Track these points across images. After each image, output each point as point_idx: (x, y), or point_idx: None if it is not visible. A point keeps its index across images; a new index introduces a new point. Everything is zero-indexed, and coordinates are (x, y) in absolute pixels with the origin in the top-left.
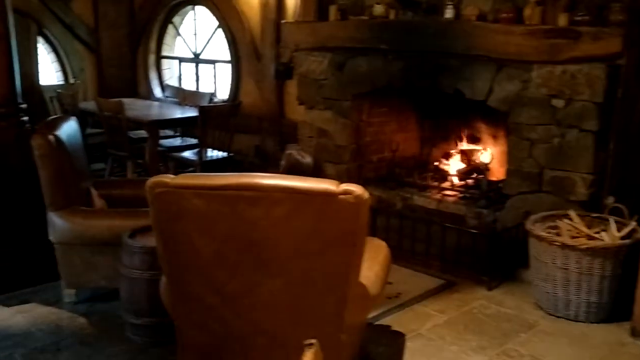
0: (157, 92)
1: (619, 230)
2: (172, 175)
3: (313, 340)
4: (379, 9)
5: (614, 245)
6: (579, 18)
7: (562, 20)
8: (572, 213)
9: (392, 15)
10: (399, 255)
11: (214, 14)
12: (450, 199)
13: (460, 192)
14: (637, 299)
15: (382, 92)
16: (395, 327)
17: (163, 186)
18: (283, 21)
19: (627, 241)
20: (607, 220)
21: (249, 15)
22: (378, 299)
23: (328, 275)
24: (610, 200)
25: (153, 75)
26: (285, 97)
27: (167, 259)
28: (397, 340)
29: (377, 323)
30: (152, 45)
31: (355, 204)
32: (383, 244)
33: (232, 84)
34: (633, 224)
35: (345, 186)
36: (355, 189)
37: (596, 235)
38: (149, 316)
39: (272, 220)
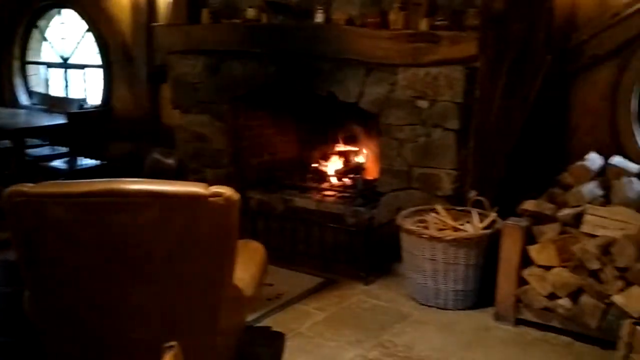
0: (23, 99)
1: (481, 221)
2: (31, 184)
3: (173, 343)
4: (251, 13)
5: (476, 236)
6: (438, 23)
7: (424, 25)
8: (439, 207)
9: (264, 19)
10: (280, 257)
11: (83, 17)
12: (330, 199)
13: (339, 192)
14: (498, 286)
15: (258, 95)
16: (276, 328)
17: (21, 195)
18: (154, 24)
19: (488, 231)
20: (470, 212)
21: (120, 18)
22: (254, 300)
23: (201, 278)
24: (472, 194)
25: (18, 82)
26: (161, 101)
27: (30, 272)
28: (276, 340)
29: (257, 325)
30: (16, 50)
31: (226, 206)
32: (260, 246)
33: (103, 89)
34: (493, 215)
35: (215, 188)
36: (225, 190)
37: (461, 227)
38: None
39: (140, 226)
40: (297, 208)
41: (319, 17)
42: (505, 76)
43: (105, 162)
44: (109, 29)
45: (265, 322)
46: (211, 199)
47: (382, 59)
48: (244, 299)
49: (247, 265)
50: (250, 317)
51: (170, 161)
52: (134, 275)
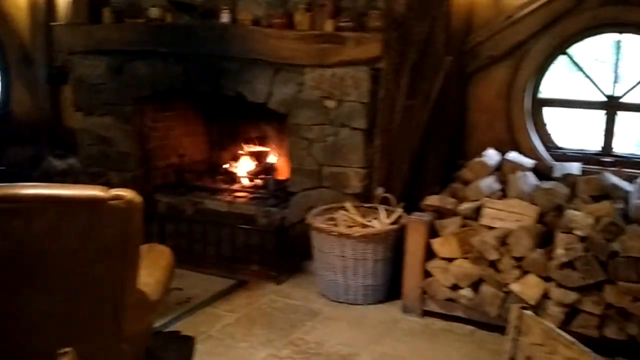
0: None
1: (388, 217)
2: None
3: (68, 349)
4: (155, 12)
5: (383, 231)
6: (343, 24)
7: (329, 26)
8: (348, 205)
9: (168, 19)
10: (190, 261)
11: None
12: (241, 200)
13: (250, 193)
14: (405, 279)
15: (165, 96)
16: (185, 332)
17: None
18: (54, 23)
19: (394, 227)
20: (378, 209)
21: (17, 17)
22: (161, 305)
23: (103, 284)
24: (379, 191)
25: None
26: (62, 103)
27: None
28: (186, 344)
29: (166, 330)
30: None
31: (127, 210)
32: (166, 249)
33: (1, 92)
34: (400, 211)
35: (115, 191)
36: (126, 193)
37: (369, 223)
38: None
39: (36, 233)
40: (208, 210)
41: (225, 17)
42: (408, 76)
43: (3, 167)
44: (5, 29)
45: (174, 327)
46: (111, 202)
47: (289, 60)
48: (149, 304)
49: (152, 270)
50: (158, 322)
51: (65, 164)
52: (30, 283)
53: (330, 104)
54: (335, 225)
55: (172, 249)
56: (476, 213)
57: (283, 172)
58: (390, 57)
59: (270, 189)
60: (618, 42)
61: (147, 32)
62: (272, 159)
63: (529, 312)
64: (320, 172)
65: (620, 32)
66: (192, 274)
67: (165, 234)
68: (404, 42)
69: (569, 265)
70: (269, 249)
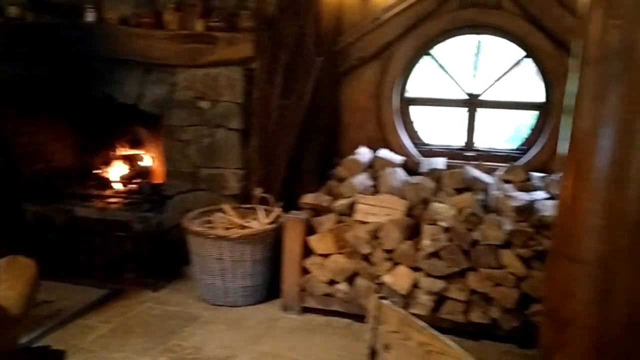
0: None
1: (266, 217)
2: None
3: None
4: (14, 11)
5: (261, 231)
6: (213, 24)
7: (200, 26)
8: (226, 206)
9: (29, 17)
10: (61, 271)
11: None
12: (114, 206)
13: (124, 198)
14: (284, 277)
15: (29, 98)
16: (55, 346)
17: None
18: None
19: (272, 226)
20: (256, 209)
21: None
22: (24, 319)
23: None
24: (258, 191)
25: None
26: None
27: None
28: (56, 359)
29: (34, 345)
30: None
31: None
32: (29, 261)
33: None
34: (278, 210)
35: None
36: None
37: (247, 224)
38: None
39: None
40: (79, 218)
41: (90, 16)
42: (281, 76)
43: None
44: None
45: (43, 342)
46: None
47: (159, 60)
48: (11, 319)
49: (14, 283)
50: (25, 338)
51: None
52: None
53: (205, 104)
54: (213, 227)
55: (41, 259)
56: (350, 209)
57: (158, 176)
58: (263, 57)
59: (145, 193)
60: (477, 43)
61: (5, 32)
62: (146, 162)
63: (386, 302)
64: (197, 174)
65: (478, 34)
66: (63, 286)
67: (33, 244)
68: (276, 42)
69: (435, 255)
70: (145, 255)
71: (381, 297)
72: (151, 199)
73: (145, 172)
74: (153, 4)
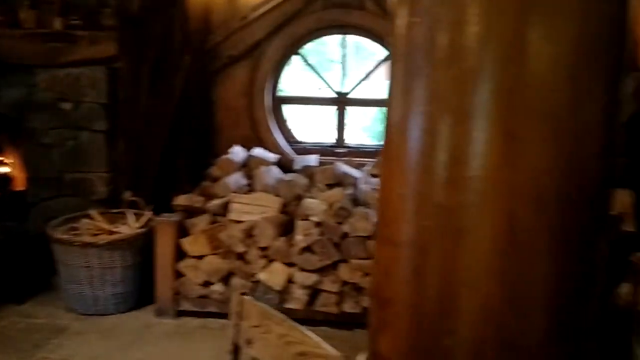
0: None
1: (137, 221)
2: None
3: None
4: None
5: (130, 236)
6: (73, 22)
7: (58, 24)
8: (93, 212)
9: None
10: None
11: None
12: None
13: None
14: (157, 282)
15: None
16: None
17: None
18: None
19: (142, 230)
20: (126, 213)
21: None
22: None
23: None
24: (127, 194)
25: None
26: None
27: None
28: None
29: None
30: None
31: None
32: None
33: None
34: (149, 213)
35: None
36: None
37: (116, 230)
38: None
39: None
40: None
41: None
42: (148, 76)
43: None
44: None
45: None
46: None
47: (16, 60)
48: None
49: None
50: None
51: None
52: None
53: (67, 106)
54: (79, 234)
55: None
56: (224, 209)
57: (20, 182)
58: (128, 57)
59: (5, 201)
60: (343, 42)
61: None
62: (4, 168)
63: (248, 297)
64: (62, 179)
65: (344, 34)
66: None
67: None
68: (141, 41)
69: (308, 249)
70: (7, 267)
71: (242, 293)
72: (12, 206)
73: (3, 179)
74: (6, 2)
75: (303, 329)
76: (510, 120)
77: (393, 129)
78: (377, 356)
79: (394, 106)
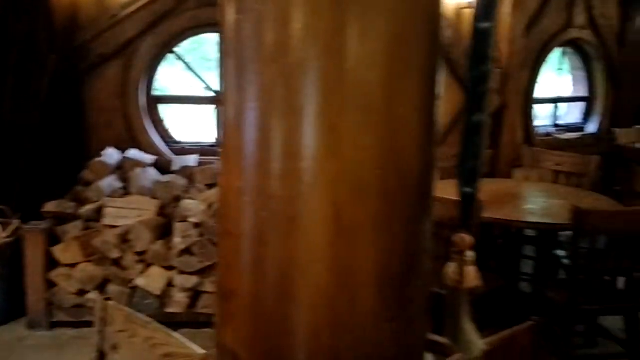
0: None
1: (4, 230)
2: None
3: None
4: None
5: None
6: None
7: None
8: None
9: None
10: None
11: None
12: None
13: None
14: (28, 293)
15: None
16: None
17: None
18: None
19: (9, 239)
20: None
21: None
22: None
23: None
24: None
25: None
26: None
27: None
28: None
29: None
30: None
31: None
32: None
33: None
34: (16, 222)
35: None
36: None
37: None
38: None
39: None
40: None
41: None
42: (12, 77)
43: None
44: None
45: None
46: None
47: None
48: None
49: None
50: None
51: None
52: None
53: None
54: None
55: None
56: (98, 214)
57: None
58: None
59: None
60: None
61: None
62: None
63: (112, 302)
64: None
65: (219, 32)
66: None
67: None
68: (3, 41)
69: (187, 251)
70: None
71: (106, 298)
72: None
73: None
74: None
75: (168, 330)
76: (332, 113)
77: (228, 125)
78: (223, 348)
79: (228, 102)
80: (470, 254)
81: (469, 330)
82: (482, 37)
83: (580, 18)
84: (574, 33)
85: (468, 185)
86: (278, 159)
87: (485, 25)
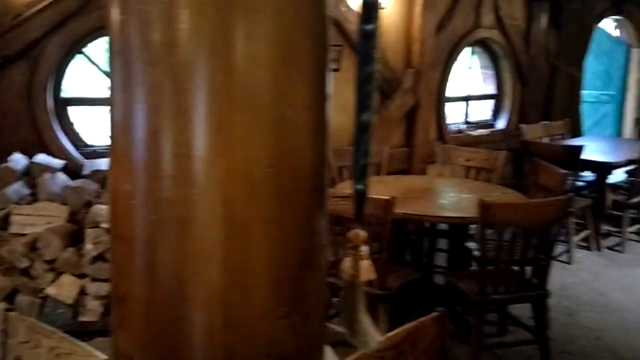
0: None
1: None
2: None
3: None
4: None
5: None
6: None
7: None
8: None
9: None
10: None
11: None
12: None
13: None
14: None
15: None
16: None
17: None
18: None
19: None
20: None
21: None
22: None
23: None
24: None
25: None
26: None
27: None
28: None
29: None
30: None
31: None
32: None
33: None
34: None
35: None
36: None
37: None
38: None
39: None
40: None
41: None
42: None
43: None
44: None
45: None
46: None
47: None
48: None
49: None
50: None
51: None
52: None
53: None
54: None
55: None
56: (5, 222)
57: None
58: None
59: None
60: None
61: None
62: None
63: (13, 313)
64: None
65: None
66: None
67: None
68: None
69: (100, 258)
70: None
71: (8, 309)
72: None
73: None
74: None
75: (73, 339)
76: (220, 113)
77: (117, 126)
78: (118, 355)
79: (116, 103)
80: (364, 249)
81: (366, 322)
82: (366, 39)
83: (487, 18)
84: (482, 33)
85: (359, 182)
86: (168, 160)
87: (369, 27)
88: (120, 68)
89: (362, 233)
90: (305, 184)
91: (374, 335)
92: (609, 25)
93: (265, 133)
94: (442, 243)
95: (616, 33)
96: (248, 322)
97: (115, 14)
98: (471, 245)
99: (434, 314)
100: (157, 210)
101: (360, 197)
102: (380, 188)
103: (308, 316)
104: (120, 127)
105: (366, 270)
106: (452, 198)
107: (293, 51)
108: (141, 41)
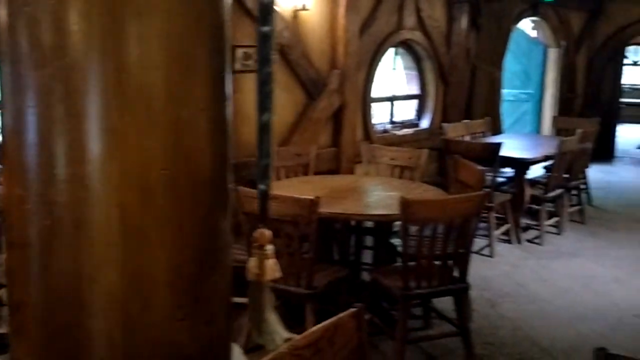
0: None
1: None
2: None
3: None
4: None
5: None
6: None
7: None
8: None
9: None
10: None
11: None
12: None
13: None
14: None
15: None
16: None
17: None
18: None
19: None
20: None
21: None
22: None
23: None
24: None
25: None
26: None
27: None
28: None
29: None
30: None
31: None
32: None
33: None
34: None
35: None
36: None
37: None
38: None
39: None
40: None
41: None
42: None
43: None
44: None
45: None
46: None
47: None
48: None
49: None
50: None
51: None
52: None
53: None
54: None
55: None
56: None
57: None
58: None
59: None
60: None
61: None
62: None
63: None
64: None
65: None
66: None
67: None
68: None
69: None
70: None
71: None
72: None
73: None
74: None
75: None
76: (113, 116)
77: (9, 131)
78: None
79: (7, 107)
80: (269, 248)
81: (272, 320)
82: (263, 40)
83: (410, 20)
84: (405, 34)
85: (262, 182)
86: (60, 164)
87: (265, 28)
88: (9, 71)
89: (267, 232)
90: (204, 185)
91: (280, 333)
92: (526, 26)
93: (161, 135)
94: (369, 240)
95: (534, 34)
96: (147, 326)
97: (2, 15)
98: (396, 241)
99: (351, 309)
100: (51, 216)
101: (263, 196)
102: (307, 188)
103: (211, 318)
104: (11, 132)
105: (271, 269)
106: (377, 196)
107: (187, 52)
108: (28, 43)
